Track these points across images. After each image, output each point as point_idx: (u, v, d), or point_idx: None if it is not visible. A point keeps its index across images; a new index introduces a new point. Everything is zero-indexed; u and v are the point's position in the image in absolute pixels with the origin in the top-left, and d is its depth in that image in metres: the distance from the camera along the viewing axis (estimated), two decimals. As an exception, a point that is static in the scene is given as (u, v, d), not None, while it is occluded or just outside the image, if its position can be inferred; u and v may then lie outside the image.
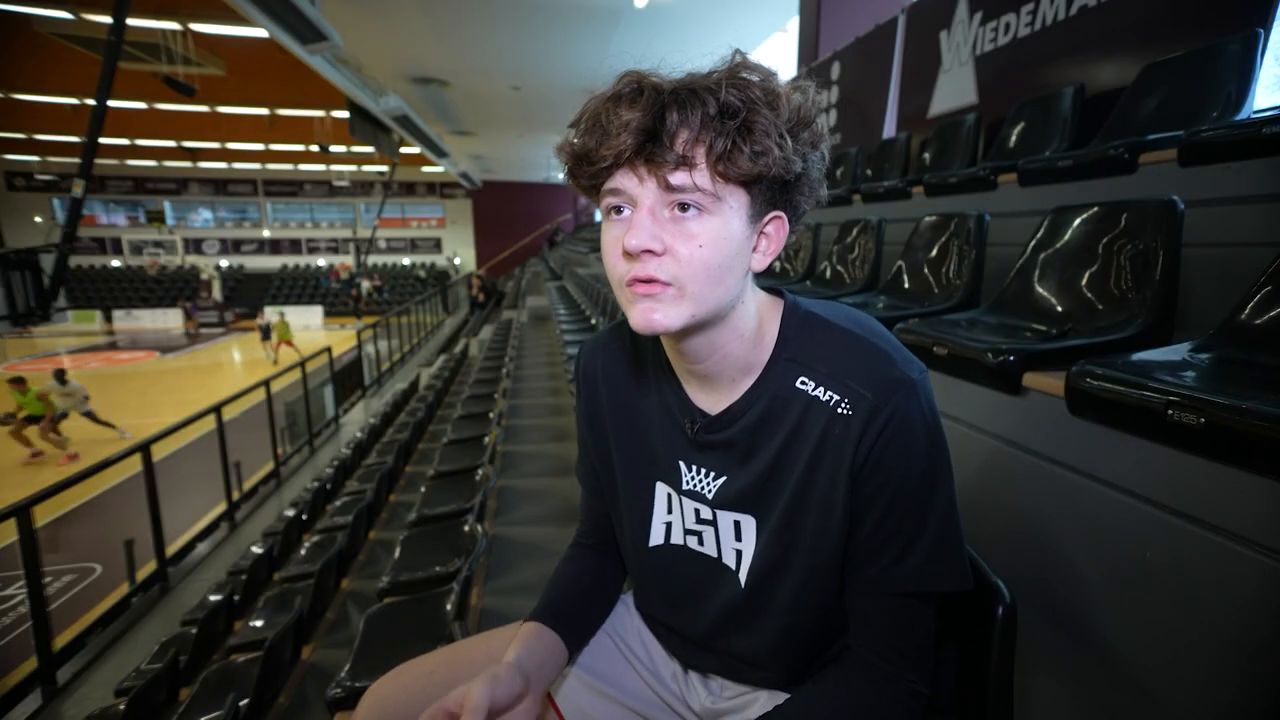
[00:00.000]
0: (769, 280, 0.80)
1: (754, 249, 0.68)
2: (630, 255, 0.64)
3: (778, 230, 0.69)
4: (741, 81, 0.62)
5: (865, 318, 0.75)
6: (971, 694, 0.77)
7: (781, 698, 0.80)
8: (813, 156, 0.66)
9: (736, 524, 0.76)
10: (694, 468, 0.78)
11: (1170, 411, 0.86)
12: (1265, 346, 0.99)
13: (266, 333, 16.35)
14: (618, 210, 0.65)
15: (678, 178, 0.61)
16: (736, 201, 0.64)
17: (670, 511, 0.82)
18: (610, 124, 0.62)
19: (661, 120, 0.60)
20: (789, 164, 0.63)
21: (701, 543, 0.80)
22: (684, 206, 0.63)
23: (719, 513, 0.77)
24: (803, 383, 0.70)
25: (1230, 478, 0.81)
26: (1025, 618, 0.76)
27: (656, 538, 0.83)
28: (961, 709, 0.79)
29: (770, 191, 0.65)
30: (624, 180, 0.63)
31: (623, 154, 0.62)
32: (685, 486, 0.79)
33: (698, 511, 0.79)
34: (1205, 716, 0.84)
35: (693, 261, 0.63)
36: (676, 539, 0.82)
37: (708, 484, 0.77)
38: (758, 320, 0.72)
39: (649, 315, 0.64)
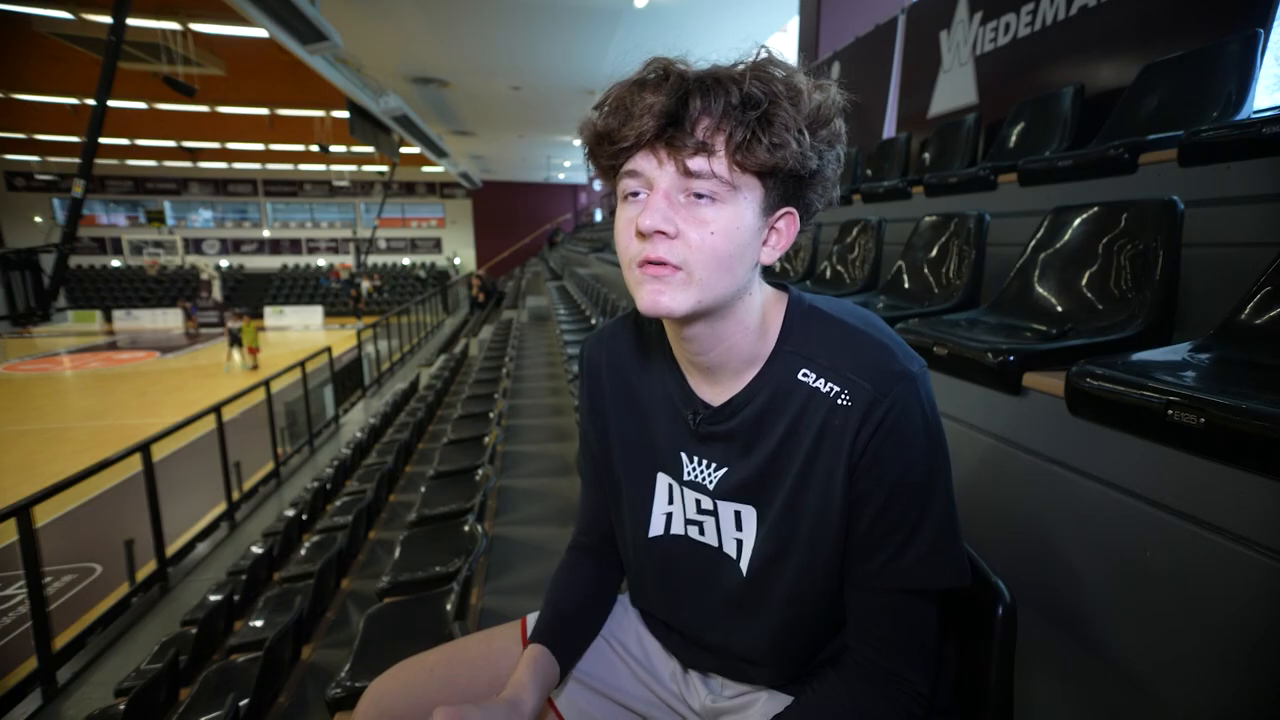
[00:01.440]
0: (770, 279, 0.80)
1: (764, 242, 0.69)
2: (643, 236, 0.64)
3: (789, 226, 0.69)
4: (765, 75, 0.63)
5: (868, 313, 0.75)
6: (971, 694, 0.77)
7: (781, 697, 0.80)
8: (829, 155, 0.67)
9: (737, 514, 0.76)
10: (695, 459, 0.79)
11: (1170, 411, 0.86)
12: (1265, 346, 0.99)
13: (236, 339, 15.36)
14: (634, 194, 0.66)
15: (696, 163, 0.62)
16: (751, 192, 0.65)
17: (671, 502, 0.82)
18: (634, 106, 0.63)
19: (684, 105, 0.61)
20: (805, 159, 0.64)
21: (702, 532, 0.80)
22: (699, 193, 0.63)
23: (720, 503, 0.77)
24: (804, 375, 0.71)
25: (1230, 478, 0.81)
26: (1025, 618, 0.76)
27: (656, 528, 0.83)
28: (961, 709, 0.78)
29: (785, 186, 0.66)
30: (643, 162, 0.64)
31: (644, 135, 0.63)
32: (686, 477, 0.79)
33: (699, 502, 0.79)
34: (1205, 716, 0.84)
35: (704, 247, 0.64)
36: (677, 529, 0.82)
37: (709, 475, 0.78)
38: (762, 313, 0.73)
39: (656, 297, 0.65)
